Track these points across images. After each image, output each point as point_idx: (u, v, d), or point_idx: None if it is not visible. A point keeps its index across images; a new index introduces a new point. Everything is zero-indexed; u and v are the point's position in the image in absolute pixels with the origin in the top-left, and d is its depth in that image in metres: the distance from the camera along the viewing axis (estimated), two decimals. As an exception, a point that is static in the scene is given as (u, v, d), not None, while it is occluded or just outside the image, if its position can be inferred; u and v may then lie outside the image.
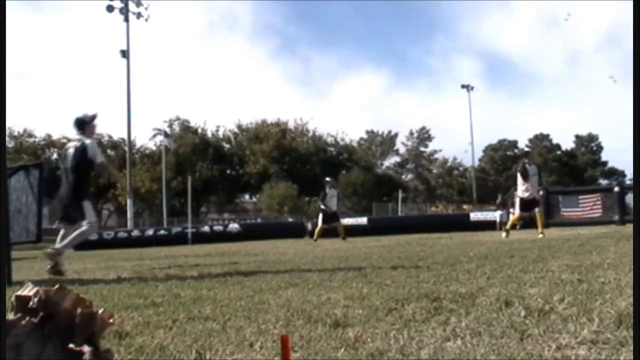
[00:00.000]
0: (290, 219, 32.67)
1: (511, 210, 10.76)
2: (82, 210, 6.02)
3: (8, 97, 1.72)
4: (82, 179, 6.13)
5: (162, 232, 21.85)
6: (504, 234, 10.04)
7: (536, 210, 10.31)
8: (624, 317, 1.77)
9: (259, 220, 37.87)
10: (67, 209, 6.12)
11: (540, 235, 9.50)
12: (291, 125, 50.95)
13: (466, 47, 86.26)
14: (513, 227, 10.59)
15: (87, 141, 6.07)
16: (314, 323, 2.04)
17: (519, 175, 10.47)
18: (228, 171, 49.97)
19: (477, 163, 56.92)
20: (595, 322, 1.75)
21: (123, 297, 3.19)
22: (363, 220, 21.59)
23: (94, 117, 6.32)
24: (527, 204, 10.32)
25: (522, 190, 10.36)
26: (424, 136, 57.53)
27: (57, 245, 5.90)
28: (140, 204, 44.29)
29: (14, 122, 44.92)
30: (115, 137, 48.24)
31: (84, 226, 5.97)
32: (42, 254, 6.13)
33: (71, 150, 6.19)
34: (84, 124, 6.23)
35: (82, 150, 6.03)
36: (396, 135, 56.90)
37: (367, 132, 57.32)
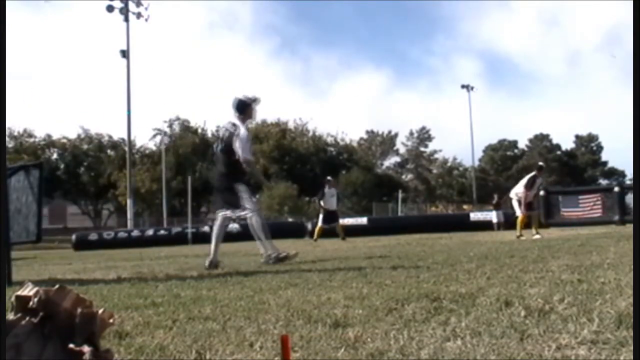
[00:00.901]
0: (290, 219, 32.68)
1: (517, 208, 10.80)
2: (238, 196, 5.79)
3: (8, 97, 1.72)
4: (231, 162, 5.82)
5: (162, 232, 21.88)
6: (522, 237, 9.85)
7: (534, 212, 10.92)
8: (624, 317, 1.77)
9: (258, 220, 37.74)
10: (224, 195, 5.94)
11: (537, 237, 9.55)
12: (291, 125, 50.98)
13: (466, 47, 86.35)
14: (522, 227, 10.65)
15: (241, 131, 5.77)
16: (314, 323, 2.04)
17: (524, 181, 10.79)
18: (228, 171, 49.89)
19: (477, 163, 56.96)
20: (595, 322, 1.75)
21: (123, 297, 3.19)
22: (363, 220, 21.59)
23: (255, 100, 6.00)
24: (528, 205, 10.76)
25: (519, 194, 10.80)
26: (424, 136, 57.55)
27: (269, 251, 5.74)
28: (140, 204, 44.28)
29: (14, 122, 44.98)
30: (115, 137, 48.28)
31: (250, 217, 5.77)
32: (266, 261, 5.70)
33: (223, 133, 5.97)
34: (245, 107, 5.92)
35: (230, 137, 5.81)
36: (396, 135, 56.94)
37: (367, 132, 57.38)
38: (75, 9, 72.94)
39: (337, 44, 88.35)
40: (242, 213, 5.82)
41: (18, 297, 1.08)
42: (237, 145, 5.71)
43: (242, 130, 5.77)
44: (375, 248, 8.25)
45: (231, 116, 5.97)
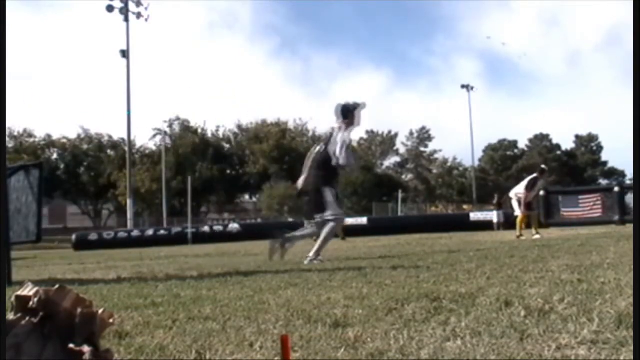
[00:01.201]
0: (290, 219, 32.67)
1: (517, 208, 10.85)
2: (325, 200, 5.78)
3: (8, 97, 1.72)
4: (328, 166, 5.82)
5: (162, 232, 21.88)
6: (522, 237, 9.89)
7: (534, 212, 11.10)
8: (624, 317, 1.77)
9: (259, 220, 37.86)
10: (312, 196, 5.93)
11: (537, 236, 9.58)
12: (291, 125, 50.97)
13: (466, 47, 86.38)
14: (522, 227, 10.67)
15: (340, 135, 5.80)
16: (314, 323, 2.04)
17: (525, 183, 10.86)
18: (228, 171, 49.97)
19: (477, 163, 56.95)
20: (595, 322, 1.75)
21: (123, 297, 3.19)
22: (363, 220, 21.59)
23: (359, 105, 6.00)
24: (528, 205, 10.87)
25: (519, 194, 10.90)
26: (424, 136, 57.53)
27: (312, 253, 5.73)
28: (140, 204, 44.29)
29: (14, 122, 44.97)
30: (115, 137, 48.32)
31: (331, 222, 5.77)
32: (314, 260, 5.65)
33: (326, 137, 5.99)
34: (348, 112, 5.95)
35: (330, 136, 5.84)
36: (396, 135, 56.89)
37: (367, 132, 57.33)
38: (75, 9, 73.12)
39: (337, 44, 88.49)
40: (325, 216, 5.82)
41: (18, 297, 1.08)
42: (336, 150, 5.75)
43: (342, 135, 5.82)
44: (375, 248, 8.26)
45: (333, 121, 6.03)
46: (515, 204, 10.99)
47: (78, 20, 70.48)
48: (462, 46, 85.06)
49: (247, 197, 55.94)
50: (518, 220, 10.71)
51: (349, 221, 19.46)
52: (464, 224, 18.56)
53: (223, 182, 48.15)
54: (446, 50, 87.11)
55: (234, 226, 21.84)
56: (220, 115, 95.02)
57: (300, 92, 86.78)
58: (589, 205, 16.92)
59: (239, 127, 51.72)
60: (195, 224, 22.40)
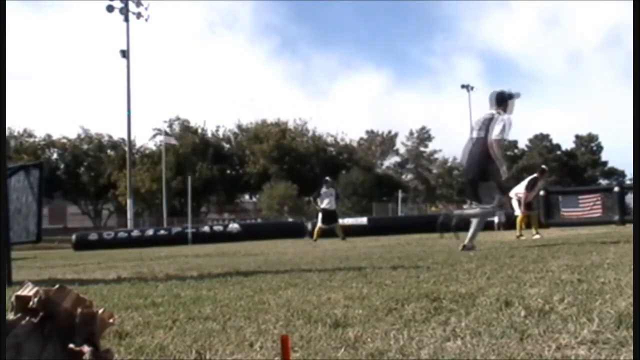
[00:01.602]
0: (290, 219, 32.68)
1: (517, 208, 10.87)
2: (478, 192, 5.89)
3: (8, 97, 1.71)
4: (483, 153, 5.88)
5: (162, 232, 21.86)
6: (522, 237, 9.92)
7: (534, 212, 11.08)
8: (624, 317, 1.77)
9: (259, 220, 37.85)
10: (469, 186, 6.10)
11: (537, 236, 9.58)
12: (291, 125, 50.98)
13: (466, 47, 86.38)
14: (522, 227, 10.68)
15: (503, 116, 5.85)
16: (314, 323, 2.04)
17: (525, 183, 10.87)
18: (228, 171, 49.98)
19: (477, 163, 56.84)
20: (595, 322, 1.75)
21: (123, 297, 3.19)
22: (363, 220, 21.57)
23: (514, 95, 6.07)
24: (528, 205, 10.87)
25: (519, 194, 10.90)
26: (424, 136, 57.51)
27: (466, 241, 5.95)
28: (140, 204, 44.29)
29: (14, 122, 44.98)
30: (115, 137, 48.35)
31: (478, 211, 5.92)
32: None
33: (481, 124, 6.01)
34: (503, 100, 6.02)
35: (488, 121, 5.87)
36: (396, 135, 56.88)
37: (367, 132, 57.33)
38: (75, 9, 73.18)
39: (337, 44, 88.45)
40: (478, 207, 5.98)
41: (18, 297, 1.08)
42: (494, 127, 5.81)
43: (505, 116, 5.88)
44: (375, 248, 8.25)
45: (486, 109, 6.15)
46: (515, 203, 11.01)
47: (78, 20, 70.62)
48: (462, 46, 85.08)
49: (247, 197, 55.97)
50: (518, 220, 10.72)
51: (349, 221, 19.46)
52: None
53: (223, 182, 48.16)
54: (446, 50, 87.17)
55: (234, 226, 21.82)
56: (220, 115, 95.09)
57: (300, 92, 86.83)
58: (589, 205, 16.90)
59: (239, 127, 51.74)
60: (195, 224, 22.38)
